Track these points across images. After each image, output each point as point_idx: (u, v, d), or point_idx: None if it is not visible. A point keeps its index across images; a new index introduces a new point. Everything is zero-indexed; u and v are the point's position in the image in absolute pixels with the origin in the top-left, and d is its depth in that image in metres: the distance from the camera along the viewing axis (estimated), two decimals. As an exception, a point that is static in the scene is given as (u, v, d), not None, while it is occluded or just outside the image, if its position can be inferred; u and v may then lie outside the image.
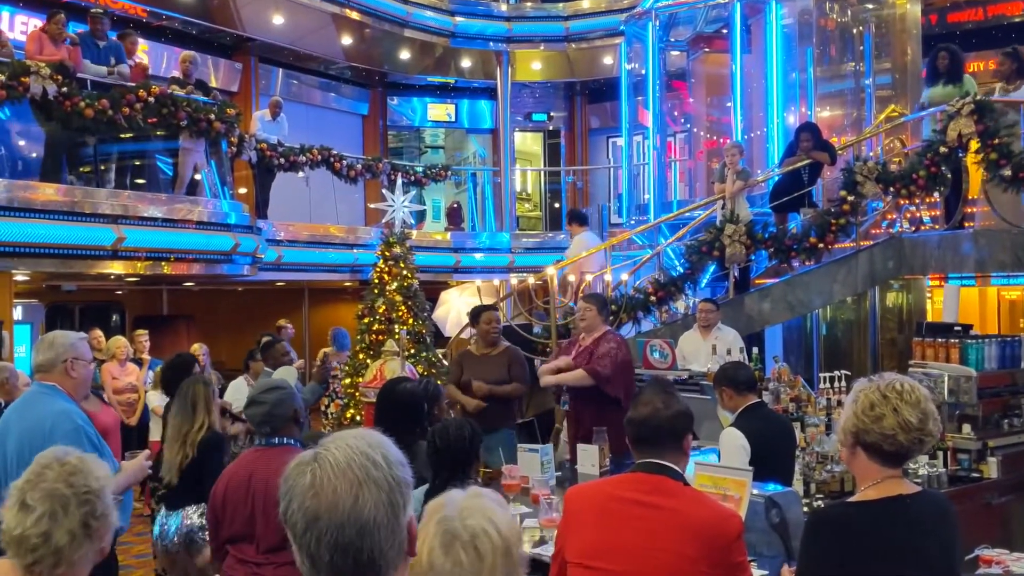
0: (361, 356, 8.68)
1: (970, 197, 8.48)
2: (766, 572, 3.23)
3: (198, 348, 8.75)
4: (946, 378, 5.88)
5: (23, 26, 11.07)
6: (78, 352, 3.98)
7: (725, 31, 11.99)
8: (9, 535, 2.08)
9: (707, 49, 12.56)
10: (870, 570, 2.35)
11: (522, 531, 1.82)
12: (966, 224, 8.53)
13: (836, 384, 5.78)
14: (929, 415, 2.39)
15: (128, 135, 9.26)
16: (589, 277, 9.01)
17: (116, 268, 8.62)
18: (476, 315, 6.63)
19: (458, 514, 1.72)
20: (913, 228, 8.76)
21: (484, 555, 1.70)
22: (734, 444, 4.30)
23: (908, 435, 2.37)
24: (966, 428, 5.77)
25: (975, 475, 5.63)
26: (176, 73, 10.28)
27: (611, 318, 6.50)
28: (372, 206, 11.12)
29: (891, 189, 8.37)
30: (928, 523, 2.42)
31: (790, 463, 4.63)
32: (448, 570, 1.65)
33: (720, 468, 3.71)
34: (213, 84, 12.50)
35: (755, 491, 3.52)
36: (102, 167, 9.22)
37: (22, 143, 8.89)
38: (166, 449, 4.62)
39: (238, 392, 6.86)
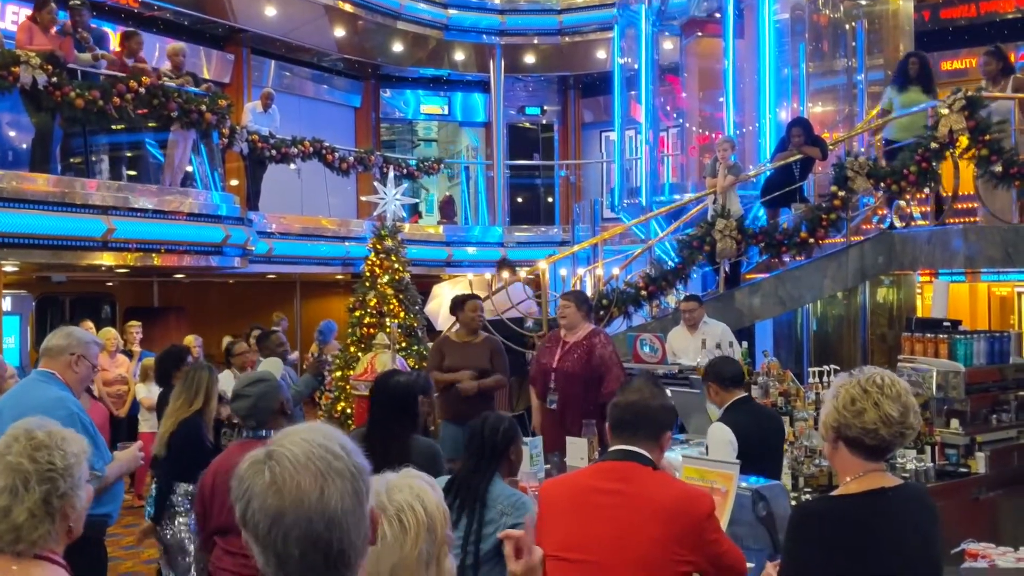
0: (352, 349, 8.68)
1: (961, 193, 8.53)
2: (752, 564, 3.24)
3: (192, 340, 8.74)
4: (935, 373, 5.89)
5: (14, 16, 11.01)
6: (87, 351, 4.01)
7: (718, 15, 11.94)
8: None
9: (700, 34, 12.49)
10: (853, 563, 2.35)
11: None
12: (949, 220, 8.56)
13: (825, 379, 5.80)
14: (910, 408, 2.40)
15: (119, 126, 9.24)
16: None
17: (106, 259, 8.60)
18: (461, 303, 6.79)
19: (387, 490, 1.76)
20: (903, 224, 8.79)
21: (408, 528, 1.74)
22: (721, 439, 4.32)
23: (890, 429, 2.38)
24: (954, 423, 5.80)
25: (963, 470, 5.64)
26: (167, 65, 10.23)
27: (593, 313, 6.47)
28: (364, 199, 11.11)
29: (882, 184, 8.39)
30: (910, 515, 2.42)
31: (778, 457, 4.65)
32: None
33: (707, 461, 3.72)
34: (205, 75, 12.45)
35: (742, 484, 3.53)
36: (92, 158, 9.19)
37: (12, 134, 8.84)
38: (161, 424, 4.80)
39: (226, 383, 6.91)
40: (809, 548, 2.41)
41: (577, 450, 5.01)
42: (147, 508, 5.10)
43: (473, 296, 7.03)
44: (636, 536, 2.67)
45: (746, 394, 4.84)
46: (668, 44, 13.08)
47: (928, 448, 5.55)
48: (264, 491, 1.38)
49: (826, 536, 2.40)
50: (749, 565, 3.21)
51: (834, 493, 2.52)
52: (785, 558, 2.50)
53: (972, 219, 8.87)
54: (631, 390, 2.90)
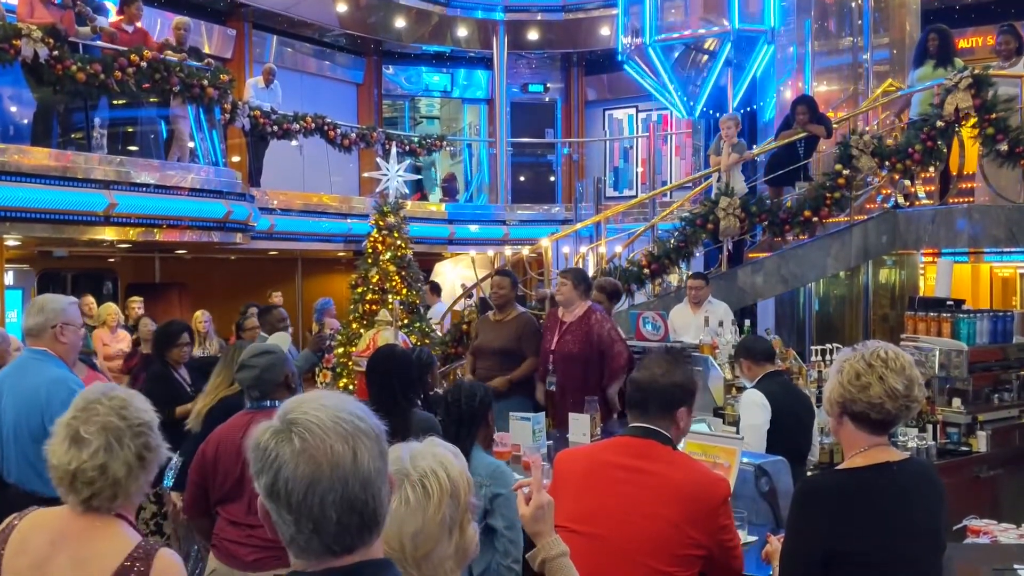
0: (354, 326, 8.67)
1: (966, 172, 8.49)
2: (755, 538, 3.26)
3: (200, 315, 8.70)
4: (937, 352, 5.90)
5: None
6: (68, 317, 3.95)
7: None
8: (63, 470, 2.10)
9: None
10: (858, 536, 2.36)
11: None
12: (951, 200, 8.53)
13: (828, 357, 5.80)
14: (914, 381, 2.40)
15: (121, 101, 9.19)
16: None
17: (108, 234, 8.58)
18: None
19: (410, 457, 1.78)
20: (908, 203, 8.76)
21: (431, 493, 1.76)
22: (753, 401, 4.43)
23: (895, 403, 2.38)
24: (956, 402, 5.81)
25: (964, 449, 5.67)
26: (169, 39, 10.18)
27: (591, 292, 6.44)
28: (366, 175, 11.08)
29: (887, 163, 8.35)
30: (915, 489, 2.43)
31: (808, 431, 4.71)
32: (394, 508, 1.70)
33: (710, 436, 3.73)
34: (206, 50, 12.37)
35: (744, 460, 3.54)
36: (94, 133, 9.15)
37: (13, 108, 8.80)
38: (199, 400, 4.74)
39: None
40: (814, 521, 2.41)
41: (580, 426, 5.02)
42: (165, 481, 5.10)
43: (499, 271, 7.03)
44: (649, 515, 2.66)
45: (778, 368, 4.93)
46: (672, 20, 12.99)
47: (930, 427, 5.56)
48: (294, 459, 1.39)
49: (831, 509, 2.40)
50: (752, 539, 3.23)
51: (839, 467, 2.52)
52: (789, 531, 2.50)
53: (971, 199, 8.83)
54: (643, 366, 2.88)
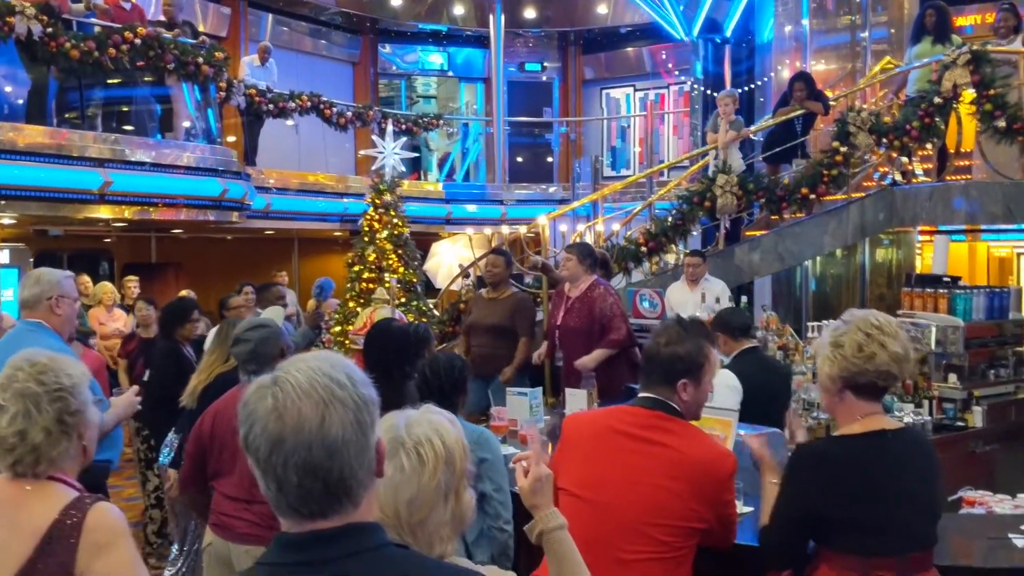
0: (351, 304, 8.66)
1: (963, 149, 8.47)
2: (751, 509, 3.26)
3: (185, 294, 8.73)
4: (934, 328, 5.90)
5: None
6: (63, 290, 3.93)
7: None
8: None
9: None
10: (851, 500, 2.37)
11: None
12: (949, 177, 8.51)
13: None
14: (907, 342, 2.46)
15: (115, 79, 9.14)
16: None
17: (103, 213, 8.55)
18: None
19: (406, 425, 1.78)
20: (905, 180, 8.74)
21: (426, 460, 1.77)
22: (724, 384, 4.38)
23: (899, 366, 2.41)
24: (952, 378, 5.82)
25: (960, 424, 5.68)
26: (160, 17, 10.11)
27: (597, 267, 6.44)
28: (363, 152, 11.04)
29: (884, 140, 8.33)
30: (908, 457, 2.44)
31: (783, 407, 4.68)
32: (390, 476, 1.71)
33: (705, 408, 3.72)
34: (201, 29, 12.30)
35: (741, 432, 3.54)
36: (88, 111, 9.10)
37: (8, 88, 8.75)
38: (193, 377, 4.71)
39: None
40: (805, 485, 2.43)
41: (576, 401, 5.02)
42: (162, 458, 5.09)
43: (493, 251, 7.03)
44: (654, 485, 2.65)
45: (755, 344, 4.90)
46: None
47: (926, 402, 5.58)
48: (266, 416, 1.39)
49: (826, 474, 2.41)
50: (748, 510, 3.24)
51: (835, 434, 2.53)
52: (781, 494, 2.51)
53: (969, 176, 8.81)
54: (652, 335, 2.88)
